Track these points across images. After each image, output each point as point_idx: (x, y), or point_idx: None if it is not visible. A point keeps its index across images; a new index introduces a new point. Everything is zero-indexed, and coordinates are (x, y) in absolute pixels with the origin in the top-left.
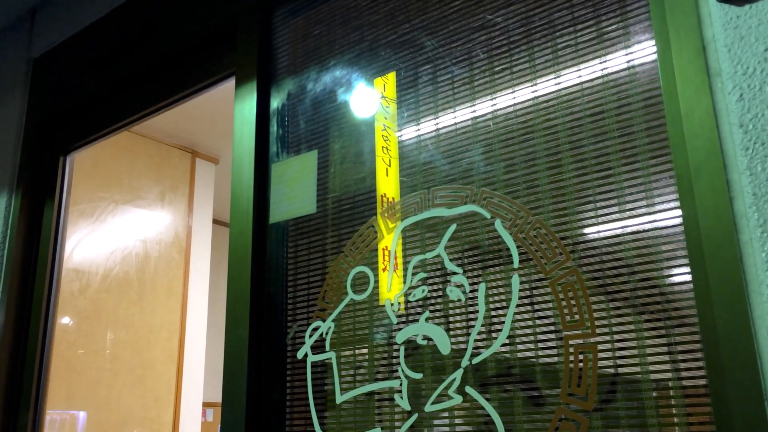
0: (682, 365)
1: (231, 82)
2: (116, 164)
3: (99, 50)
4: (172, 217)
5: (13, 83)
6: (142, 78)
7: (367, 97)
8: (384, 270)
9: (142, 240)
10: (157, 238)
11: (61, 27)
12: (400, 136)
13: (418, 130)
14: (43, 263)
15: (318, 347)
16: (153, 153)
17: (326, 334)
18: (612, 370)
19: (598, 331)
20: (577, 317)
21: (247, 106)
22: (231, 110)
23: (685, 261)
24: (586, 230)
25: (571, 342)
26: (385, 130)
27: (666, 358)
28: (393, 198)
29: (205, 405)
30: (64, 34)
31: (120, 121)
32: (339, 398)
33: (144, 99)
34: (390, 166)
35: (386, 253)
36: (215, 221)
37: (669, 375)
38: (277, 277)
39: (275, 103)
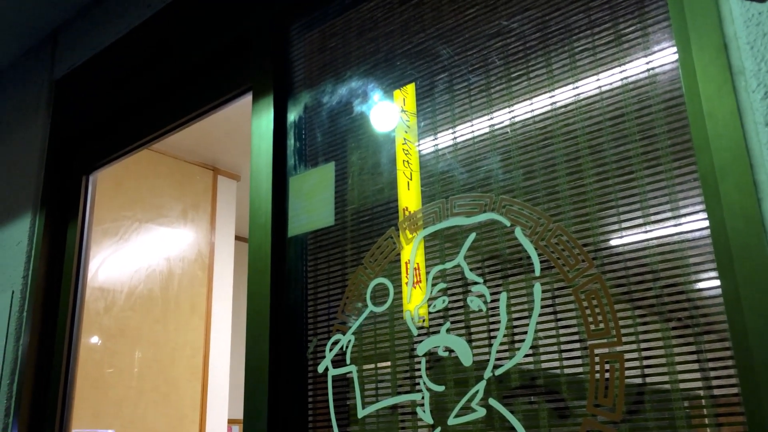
0: (713, 374)
1: (248, 97)
2: (138, 183)
3: (118, 70)
4: (194, 234)
5: (36, 105)
6: (161, 96)
7: (386, 110)
8: (405, 282)
9: (165, 258)
10: (180, 255)
11: (81, 49)
12: (420, 147)
13: (437, 139)
14: (67, 283)
15: (339, 361)
16: (175, 171)
17: (347, 347)
18: (639, 380)
19: (624, 339)
20: (602, 326)
21: (264, 120)
22: (250, 125)
23: (713, 266)
24: (609, 236)
25: (596, 351)
26: (405, 143)
27: (695, 366)
28: (415, 211)
29: (231, 422)
30: (85, 55)
31: (141, 139)
32: (361, 412)
33: (164, 116)
34: (411, 179)
35: (406, 264)
36: (237, 238)
37: (699, 384)
38: (297, 290)
39: (292, 116)
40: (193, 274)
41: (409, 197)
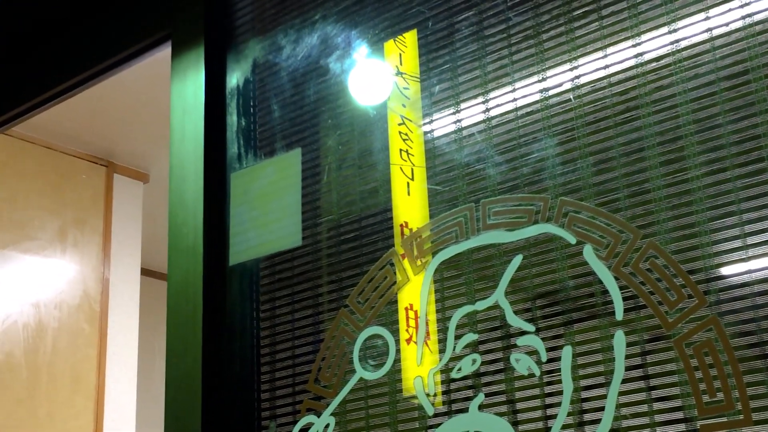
0: None
1: (166, 51)
2: None
3: None
4: (78, 266)
5: None
6: (24, 49)
7: (375, 72)
8: (409, 335)
9: (32, 304)
10: (55, 300)
11: None
12: (428, 128)
13: (457, 113)
14: None
15: None
16: (47, 168)
17: None
18: None
19: (754, 417)
20: (719, 396)
21: (191, 85)
22: (166, 97)
23: None
24: (730, 258)
25: None
26: (403, 123)
27: None
28: (421, 227)
29: None
30: None
31: None
32: None
33: (29, 82)
34: (413, 179)
35: (413, 306)
36: (147, 272)
37: None
38: (244, 349)
39: (234, 79)
40: (76, 329)
41: (410, 206)
